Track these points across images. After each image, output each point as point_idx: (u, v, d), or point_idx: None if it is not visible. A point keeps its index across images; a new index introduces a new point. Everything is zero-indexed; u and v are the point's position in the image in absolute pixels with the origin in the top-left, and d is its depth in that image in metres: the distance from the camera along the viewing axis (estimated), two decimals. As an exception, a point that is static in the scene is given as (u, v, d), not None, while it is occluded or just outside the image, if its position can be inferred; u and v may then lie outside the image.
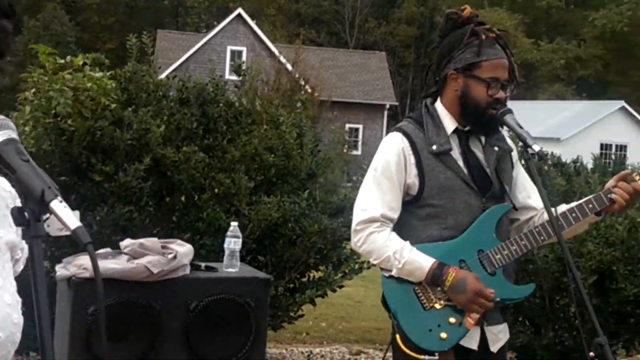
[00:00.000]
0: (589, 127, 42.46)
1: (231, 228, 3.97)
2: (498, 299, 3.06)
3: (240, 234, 3.98)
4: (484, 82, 3.07)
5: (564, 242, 2.90)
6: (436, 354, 3.00)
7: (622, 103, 44.50)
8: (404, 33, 56.74)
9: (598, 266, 5.97)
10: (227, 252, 3.99)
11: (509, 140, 3.28)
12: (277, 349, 7.41)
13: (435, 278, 3.00)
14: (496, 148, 3.19)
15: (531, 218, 3.26)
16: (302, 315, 6.12)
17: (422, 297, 3.05)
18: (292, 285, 6.03)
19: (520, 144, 2.98)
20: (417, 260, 3.01)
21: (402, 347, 3.01)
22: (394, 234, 3.08)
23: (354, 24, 57.95)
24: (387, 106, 41.85)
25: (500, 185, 3.17)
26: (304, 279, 6.08)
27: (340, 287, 6.09)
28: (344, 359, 7.26)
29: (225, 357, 3.87)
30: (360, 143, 39.80)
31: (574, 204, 3.17)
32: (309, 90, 22.86)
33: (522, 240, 3.09)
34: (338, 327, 8.73)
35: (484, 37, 3.09)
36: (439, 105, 3.20)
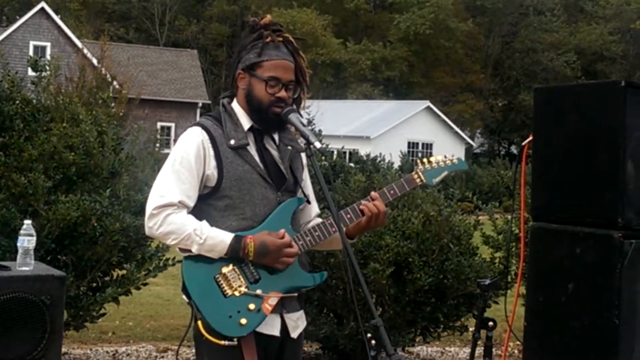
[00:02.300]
0: (397, 126, 44.06)
1: (24, 226, 3.92)
2: (295, 286, 3.26)
3: (34, 232, 3.94)
4: (263, 80, 3.24)
5: (344, 233, 3.11)
6: (235, 339, 3.12)
7: (427, 103, 46.50)
8: (216, 31, 56.73)
9: (395, 258, 6.27)
10: (20, 251, 3.93)
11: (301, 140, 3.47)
12: (81, 349, 7.32)
13: (236, 251, 3.13)
14: (289, 147, 3.38)
15: (308, 222, 3.46)
16: (104, 314, 6.09)
17: (223, 285, 3.16)
18: (95, 285, 6.00)
19: (304, 141, 3.18)
20: (218, 235, 3.13)
21: (204, 332, 3.11)
22: (190, 215, 3.18)
23: (164, 21, 57.30)
24: (200, 104, 41.72)
25: (294, 181, 3.36)
26: (107, 278, 6.05)
27: (145, 284, 6.10)
28: (150, 356, 7.27)
29: (19, 356, 3.83)
30: (172, 141, 39.42)
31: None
32: (117, 87, 22.45)
33: (315, 231, 3.28)
34: (146, 326, 8.70)
35: (268, 39, 3.26)
36: (235, 104, 3.36)
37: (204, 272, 3.17)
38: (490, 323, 3.76)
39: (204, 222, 3.16)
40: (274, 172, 3.31)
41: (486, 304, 3.70)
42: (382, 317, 5.78)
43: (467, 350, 8.17)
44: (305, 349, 7.59)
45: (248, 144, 3.27)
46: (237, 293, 3.17)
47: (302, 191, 3.40)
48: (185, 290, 3.20)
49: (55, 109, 6.17)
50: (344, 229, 3.28)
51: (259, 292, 3.19)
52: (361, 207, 3.31)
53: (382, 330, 2.86)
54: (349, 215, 3.32)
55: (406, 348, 7.14)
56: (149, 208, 3.18)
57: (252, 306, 3.17)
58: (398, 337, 6.52)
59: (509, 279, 6.43)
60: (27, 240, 3.93)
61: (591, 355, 4.04)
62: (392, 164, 21.04)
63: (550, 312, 4.17)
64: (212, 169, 3.21)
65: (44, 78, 6.10)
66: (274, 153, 3.36)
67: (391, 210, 6.58)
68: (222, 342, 3.11)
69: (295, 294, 3.31)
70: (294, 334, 3.33)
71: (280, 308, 3.25)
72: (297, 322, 3.36)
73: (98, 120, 6.10)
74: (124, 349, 7.46)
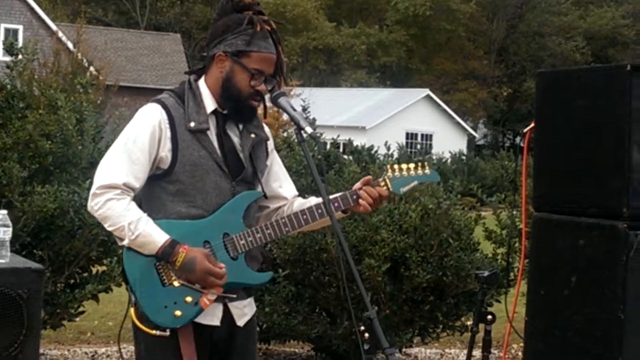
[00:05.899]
0: (394, 115, 44.07)
1: (-1, 217, 4.00)
2: (237, 283, 3.31)
3: (10, 223, 4.01)
4: (248, 71, 3.31)
5: (338, 226, 3.16)
6: (167, 330, 3.22)
7: (427, 91, 46.50)
8: (201, 14, 56.53)
9: (392, 253, 6.32)
10: (-5, 243, 4.01)
11: (266, 129, 3.53)
12: (58, 350, 7.38)
13: (165, 255, 3.20)
14: (253, 135, 3.43)
15: (280, 207, 3.54)
16: (82, 312, 6.16)
17: (163, 274, 3.24)
18: (72, 281, 6.07)
19: (295, 126, 3.25)
20: (151, 235, 3.19)
21: (135, 320, 3.25)
22: (133, 203, 3.24)
23: (145, 3, 57.15)
24: (183, 92, 41.58)
25: (253, 171, 3.42)
26: (86, 274, 6.12)
27: (126, 281, 6.15)
28: (131, 358, 7.33)
29: (-5, 352, 3.90)
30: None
31: (320, 199, 3.42)
32: (95, 73, 22.44)
33: (267, 229, 3.35)
34: (127, 326, 8.74)
35: (259, 28, 3.32)
36: (202, 83, 3.41)
37: (146, 258, 3.23)
38: (489, 317, 3.86)
39: (144, 216, 3.22)
40: (232, 161, 3.37)
41: (485, 297, 3.79)
42: (378, 317, 5.81)
43: (469, 351, 8.24)
44: (296, 350, 7.67)
45: (208, 129, 3.32)
46: (176, 283, 3.24)
47: (261, 184, 3.45)
48: (124, 274, 3.28)
49: (31, 95, 6.23)
50: (312, 223, 3.39)
51: (197, 286, 3.25)
52: (359, 199, 3.39)
53: (376, 322, 2.94)
54: (319, 210, 3.38)
55: (403, 349, 7.20)
56: (93, 186, 3.23)
57: (189, 299, 3.24)
58: (394, 338, 6.57)
59: (512, 276, 6.50)
60: (2, 231, 3.99)
61: (594, 351, 4.12)
62: (392, 155, 20.88)
63: (552, 306, 4.25)
64: (166, 152, 3.27)
65: (20, 62, 6.17)
66: (235, 140, 3.41)
67: (387, 203, 6.64)
68: (154, 332, 3.22)
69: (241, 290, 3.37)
70: (240, 322, 3.40)
71: (223, 297, 3.31)
72: (244, 310, 3.42)
73: (77, 107, 6.17)
74: (103, 349, 7.53)
